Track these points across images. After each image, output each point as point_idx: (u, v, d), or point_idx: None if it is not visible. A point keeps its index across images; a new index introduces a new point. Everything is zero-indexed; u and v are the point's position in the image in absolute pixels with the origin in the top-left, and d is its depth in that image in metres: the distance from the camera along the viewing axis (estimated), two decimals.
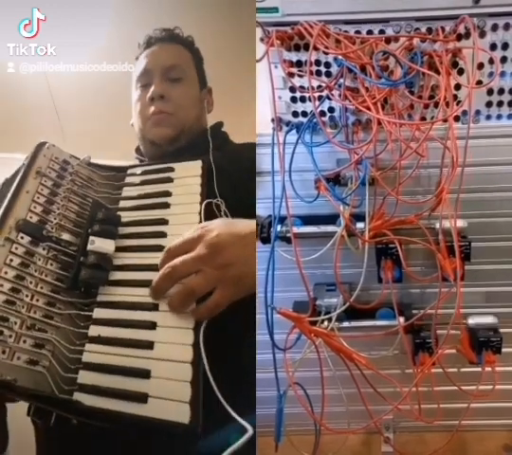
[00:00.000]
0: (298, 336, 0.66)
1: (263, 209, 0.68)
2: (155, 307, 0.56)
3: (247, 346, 0.59)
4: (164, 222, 0.65)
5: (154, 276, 0.56)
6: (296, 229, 0.67)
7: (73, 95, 1.69)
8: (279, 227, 0.66)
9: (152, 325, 0.54)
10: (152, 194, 0.70)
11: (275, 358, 0.62)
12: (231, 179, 0.69)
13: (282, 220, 0.66)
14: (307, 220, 0.70)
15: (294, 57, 0.66)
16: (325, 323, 0.68)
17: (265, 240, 0.65)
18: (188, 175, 0.71)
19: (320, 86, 0.65)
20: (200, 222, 0.63)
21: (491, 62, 0.65)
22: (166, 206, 0.67)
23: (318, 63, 0.66)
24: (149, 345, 0.53)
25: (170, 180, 0.71)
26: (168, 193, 0.69)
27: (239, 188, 0.69)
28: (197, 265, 0.54)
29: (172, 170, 0.72)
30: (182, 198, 0.68)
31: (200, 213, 0.64)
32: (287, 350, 0.64)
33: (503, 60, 0.66)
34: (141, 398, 0.49)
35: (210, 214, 0.63)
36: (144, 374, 0.51)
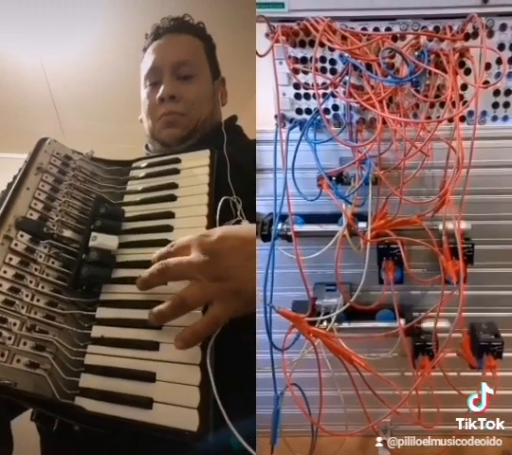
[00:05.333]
0: (296, 337, 0.65)
1: (264, 206, 0.67)
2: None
3: (247, 346, 0.57)
4: (170, 215, 0.62)
5: None
6: (297, 228, 0.67)
7: (73, 95, 1.69)
8: (280, 226, 0.66)
9: (157, 325, 0.51)
10: (157, 187, 0.67)
11: (273, 358, 0.61)
12: (244, 175, 0.67)
13: (283, 218, 0.65)
14: (309, 218, 0.69)
15: (299, 53, 0.65)
16: (324, 324, 0.67)
17: (266, 238, 0.64)
18: (195, 166, 0.68)
19: (324, 83, 0.65)
20: (209, 213, 0.60)
21: (499, 62, 0.64)
22: (172, 198, 0.65)
23: (323, 59, 0.65)
24: (154, 346, 0.50)
25: (176, 171, 0.69)
26: (174, 185, 0.66)
27: (252, 184, 0.67)
28: (190, 272, 0.49)
29: (178, 161, 0.70)
30: (189, 189, 0.65)
31: (208, 205, 0.61)
32: (285, 350, 0.63)
33: (511, 60, 0.65)
34: (146, 403, 0.46)
35: (225, 213, 0.60)
36: (149, 378, 0.48)
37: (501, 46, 0.64)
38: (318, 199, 0.66)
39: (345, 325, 0.69)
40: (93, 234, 0.59)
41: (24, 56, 1.59)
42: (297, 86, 0.67)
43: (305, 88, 0.67)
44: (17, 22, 1.46)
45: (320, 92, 0.65)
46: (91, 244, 0.58)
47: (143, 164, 0.73)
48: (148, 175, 0.70)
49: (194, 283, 0.49)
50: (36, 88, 1.68)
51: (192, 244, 0.50)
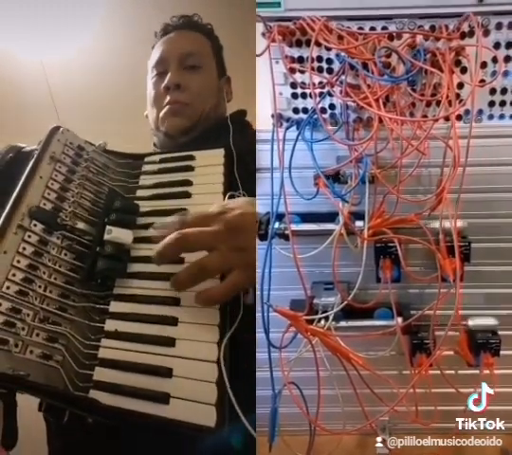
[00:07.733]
0: (294, 335, 0.65)
1: (261, 205, 0.67)
2: (176, 302, 0.53)
3: (247, 344, 0.57)
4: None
5: (174, 269, 0.53)
6: (294, 227, 0.67)
7: (74, 95, 1.69)
8: (277, 224, 0.66)
9: (173, 321, 0.52)
10: (171, 183, 0.67)
11: (270, 357, 0.61)
12: (252, 171, 0.67)
13: (280, 217, 0.66)
14: (306, 217, 0.70)
15: (296, 53, 0.66)
16: (322, 322, 0.67)
17: (263, 237, 0.65)
18: (209, 164, 0.68)
19: (321, 82, 0.65)
20: None
21: (495, 61, 0.65)
22: (187, 195, 0.65)
23: (319, 59, 0.65)
24: (170, 342, 0.50)
25: (190, 169, 0.69)
26: (188, 182, 0.66)
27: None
28: (211, 242, 0.51)
29: (192, 158, 0.70)
30: (204, 188, 0.65)
31: None
32: (283, 349, 0.63)
33: (507, 59, 0.65)
34: (163, 398, 0.46)
35: None
36: (166, 373, 0.48)
37: (496, 45, 0.64)
38: (315, 198, 0.67)
39: (343, 324, 0.69)
40: (108, 227, 0.58)
41: (24, 56, 1.60)
42: (294, 86, 0.67)
43: (302, 87, 0.67)
44: (17, 22, 1.46)
45: (317, 91, 0.65)
46: (106, 237, 0.57)
47: (157, 159, 0.72)
48: (161, 171, 0.70)
49: (215, 252, 0.51)
50: (36, 88, 1.68)
51: (212, 217, 0.53)
